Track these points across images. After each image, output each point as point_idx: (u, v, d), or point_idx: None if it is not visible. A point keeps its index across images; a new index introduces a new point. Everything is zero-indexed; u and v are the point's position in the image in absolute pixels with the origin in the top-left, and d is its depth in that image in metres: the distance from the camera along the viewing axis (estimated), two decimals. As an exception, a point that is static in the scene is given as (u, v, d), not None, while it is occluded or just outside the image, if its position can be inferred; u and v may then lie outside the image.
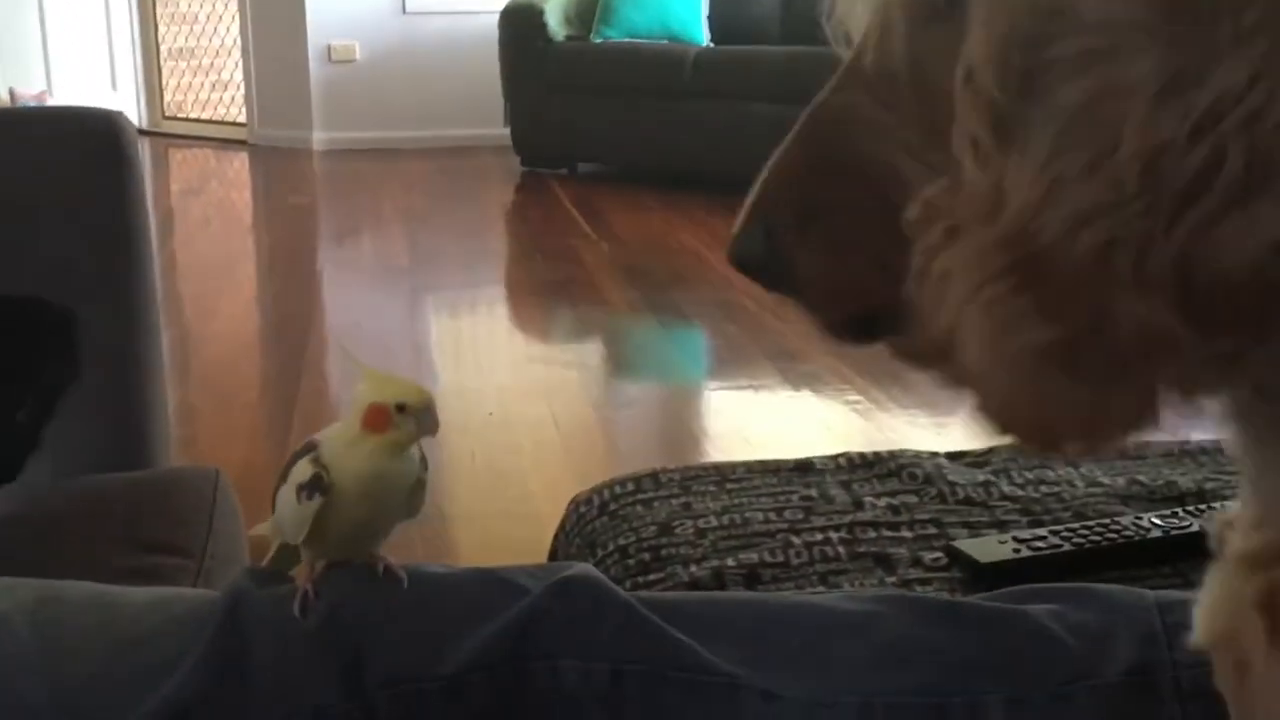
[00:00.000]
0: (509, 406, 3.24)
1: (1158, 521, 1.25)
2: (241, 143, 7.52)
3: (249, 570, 0.94)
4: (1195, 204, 0.49)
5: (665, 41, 6.12)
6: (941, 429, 3.12)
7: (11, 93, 5.86)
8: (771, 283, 0.69)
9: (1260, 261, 0.49)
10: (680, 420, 3.33)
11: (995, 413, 0.58)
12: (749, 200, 0.69)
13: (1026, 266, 0.53)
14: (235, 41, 7.78)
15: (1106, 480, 1.40)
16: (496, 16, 6.39)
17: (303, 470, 0.89)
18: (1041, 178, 0.52)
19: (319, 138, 7.17)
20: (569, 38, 6.28)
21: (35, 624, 0.87)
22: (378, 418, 0.88)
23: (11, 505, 1.32)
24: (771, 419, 3.19)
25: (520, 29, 6.27)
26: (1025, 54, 0.53)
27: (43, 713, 0.82)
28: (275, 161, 7.03)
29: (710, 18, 6.25)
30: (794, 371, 3.46)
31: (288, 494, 0.89)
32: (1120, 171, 0.50)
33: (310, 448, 0.90)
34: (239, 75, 7.72)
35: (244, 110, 7.66)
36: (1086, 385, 0.54)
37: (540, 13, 6.22)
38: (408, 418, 0.88)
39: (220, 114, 8.10)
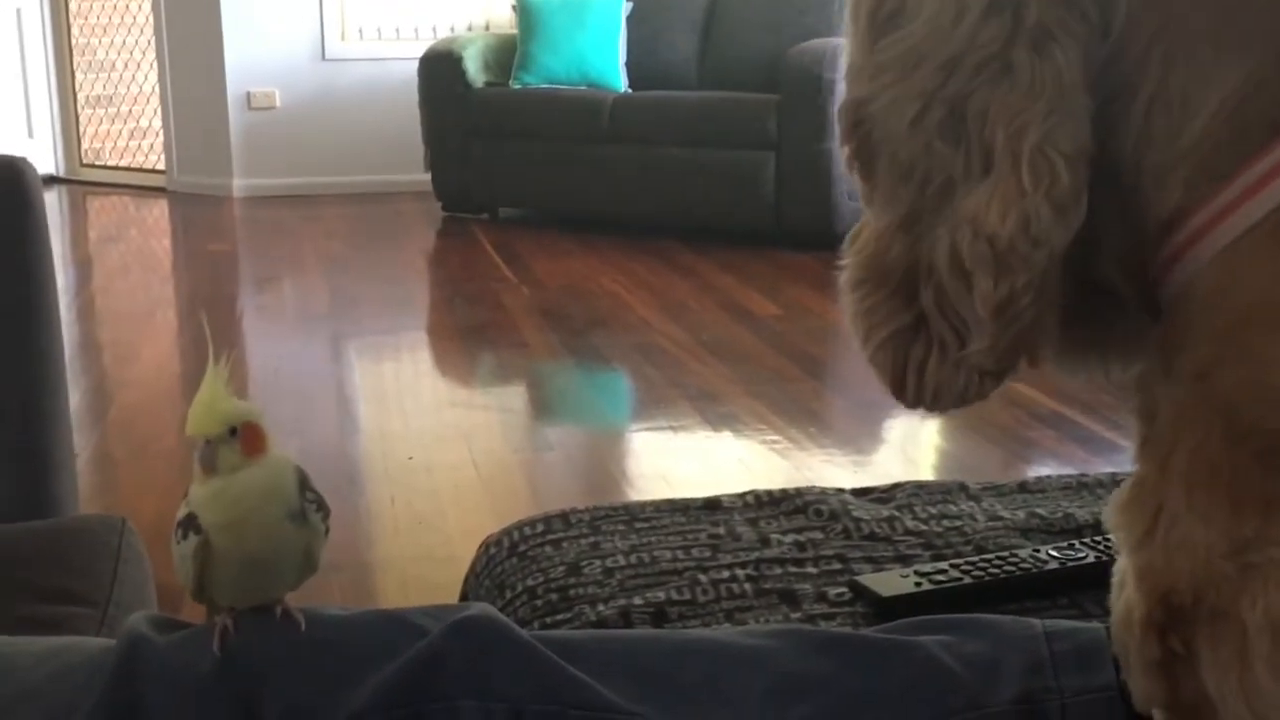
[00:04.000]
0: (429, 451, 3.24)
1: (1055, 554, 1.27)
2: (160, 190, 7.46)
3: (146, 616, 0.93)
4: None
5: (583, 88, 6.16)
6: (858, 466, 3.15)
7: (-76, 141, 5.80)
8: None
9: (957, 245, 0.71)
10: (601, 462, 3.34)
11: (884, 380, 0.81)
12: None
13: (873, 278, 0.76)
14: (154, 89, 7.73)
15: (1006, 514, 1.42)
16: (416, 63, 6.41)
17: (180, 511, 0.89)
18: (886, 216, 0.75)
19: (239, 184, 7.14)
20: (488, 84, 6.30)
21: (-72, 675, 0.86)
22: (202, 456, 0.89)
23: (-88, 557, 1.30)
24: (691, 460, 3.21)
25: (439, 75, 6.29)
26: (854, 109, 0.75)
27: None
28: (195, 208, 6.99)
29: (627, 65, 6.30)
30: (713, 412, 3.48)
31: (172, 538, 0.90)
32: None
33: (188, 490, 0.90)
34: (158, 122, 7.67)
35: (163, 157, 7.61)
36: (925, 356, 0.76)
37: (459, 59, 6.24)
38: (211, 447, 0.88)
39: (139, 161, 8.05)
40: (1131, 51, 0.69)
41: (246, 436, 0.89)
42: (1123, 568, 0.75)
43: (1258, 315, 0.63)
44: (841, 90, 0.76)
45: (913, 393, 0.78)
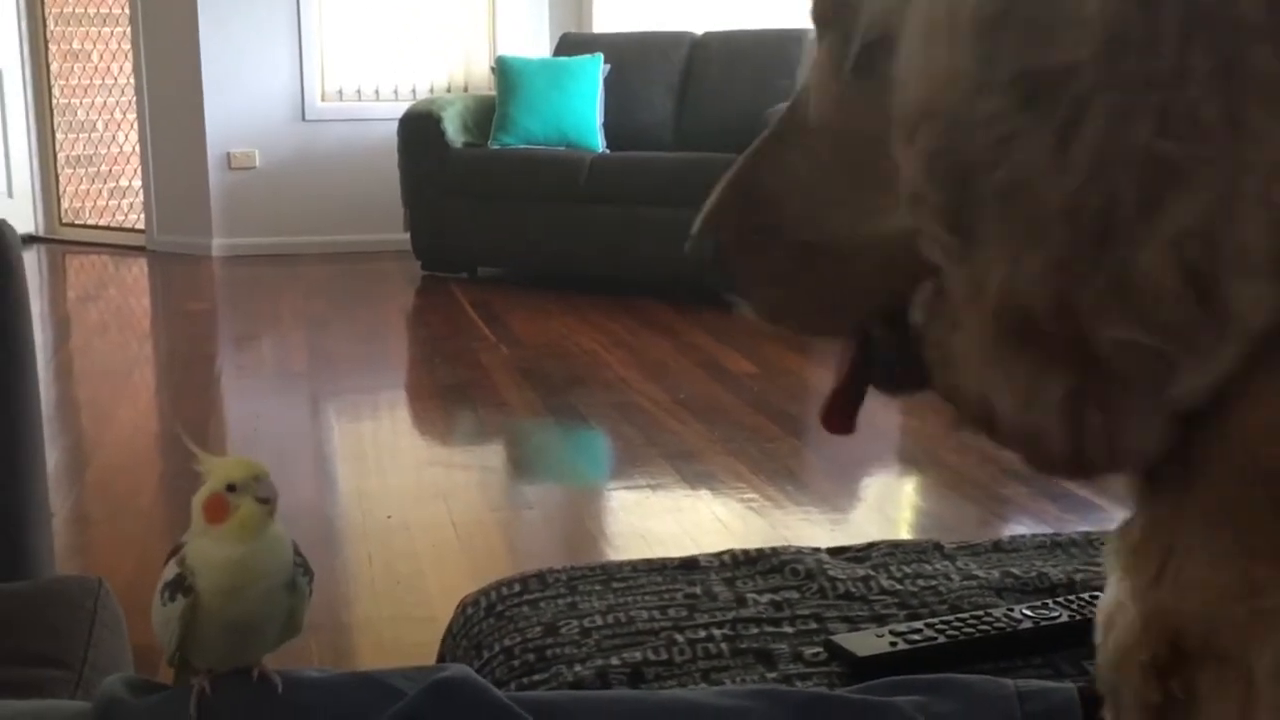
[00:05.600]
0: (407, 510, 3.23)
1: (1029, 613, 1.28)
2: (140, 249, 7.47)
3: (122, 678, 0.93)
4: (1113, 233, 0.60)
5: (562, 148, 6.20)
6: (835, 525, 3.16)
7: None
8: (720, 288, 0.78)
9: (1176, 251, 0.59)
10: (579, 521, 3.34)
11: (1040, 458, 0.65)
12: (702, 210, 0.78)
13: (1019, 330, 0.63)
14: (134, 149, 7.76)
15: (981, 573, 1.43)
16: (395, 123, 6.44)
17: (167, 572, 0.89)
18: (1001, 258, 0.62)
19: (218, 244, 7.15)
20: (467, 144, 6.34)
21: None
22: (214, 506, 0.89)
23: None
24: (669, 518, 3.21)
25: (419, 136, 6.32)
26: (950, 134, 0.63)
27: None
28: (174, 268, 6.99)
29: (605, 125, 6.34)
30: (690, 471, 3.49)
31: (155, 598, 0.90)
32: (1051, 233, 0.61)
33: (177, 549, 0.90)
34: (138, 182, 7.69)
35: (143, 217, 7.62)
36: (1107, 416, 0.63)
37: (438, 120, 6.28)
38: (242, 494, 0.88)
39: (119, 220, 8.06)
40: None
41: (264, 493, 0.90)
42: (1110, 607, 0.74)
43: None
44: (929, 139, 0.65)
45: (1098, 457, 0.64)
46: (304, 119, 7.15)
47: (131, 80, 7.57)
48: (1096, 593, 1.33)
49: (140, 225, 7.68)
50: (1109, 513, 3.14)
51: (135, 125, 7.62)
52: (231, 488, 0.88)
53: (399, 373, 5.01)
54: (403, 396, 4.63)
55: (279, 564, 0.90)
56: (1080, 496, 3.24)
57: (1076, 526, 2.98)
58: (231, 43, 7.01)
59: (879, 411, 3.60)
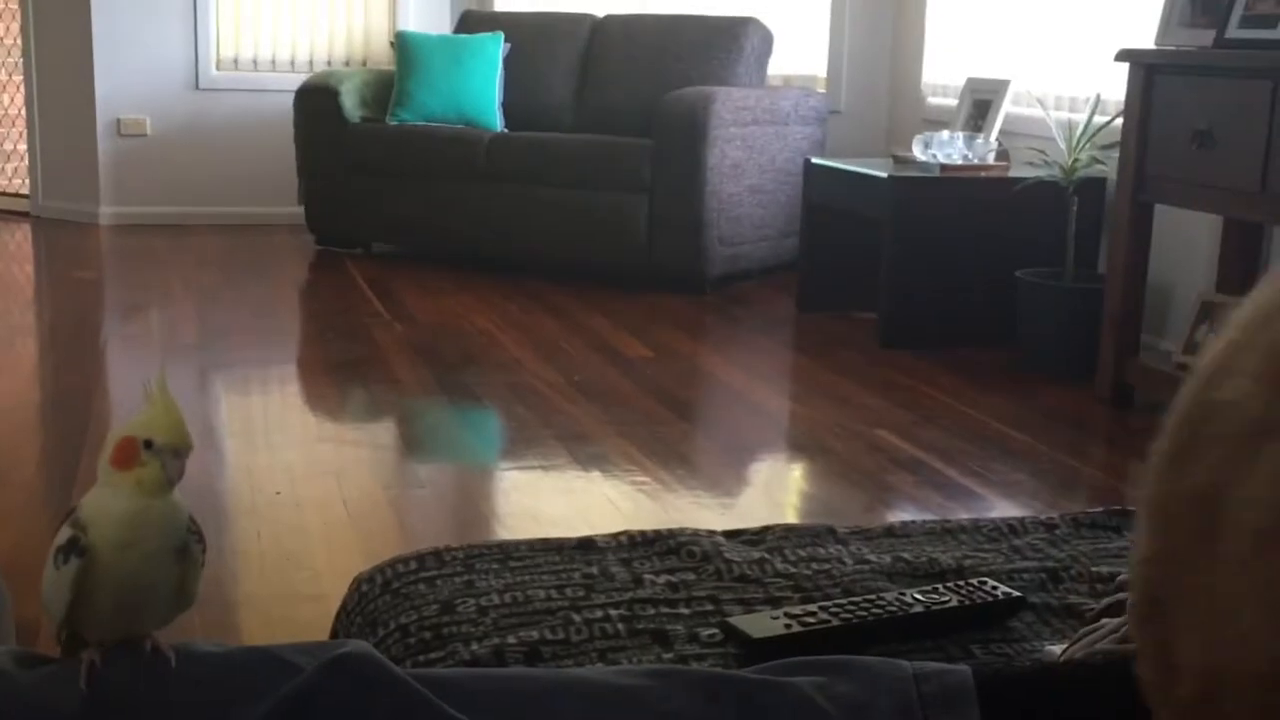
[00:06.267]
0: (298, 486, 3.20)
1: (919, 597, 1.30)
2: (24, 214, 7.30)
3: (9, 651, 0.92)
4: None
5: (460, 126, 6.17)
6: (725, 508, 3.18)
7: None
8: None
9: None
10: (471, 500, 3.33)
11: None
12: None
13: None
14: (19, 112, 7.57)
15: (874, 558, 1.46)
16: (291, 95, 6.36)
17: (60, 536, 0.88)
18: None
19: (106, 211, 7.01)
20: (364, 119, 6.28)
21: None
22: (124, 451, 0.87)
23: None
24: (561, 499, 3.22)
25: (315, 109, 6.25)
26: None
27: None
28: (60, 235, 6.85)
29: (504, 105, 6.31)
30: (583, 453, 3.49)
31: (48, 565, 0.88)
32: None
33: (70, 513, 0.89)
34: (23, 145, 7.51)
35: (27, 181, 7.45)
36: None
37: (336, 94, 6.21)
38: (155, 455, 0.87)
39: (2, 185, 7.87)
40: None
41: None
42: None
43: None
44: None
45: None
46: (198, 87, 7.03)
47: (18, 41, 7.38)
48: (985, 578, 1.36)
49: (25, 190, 7.50)
50: (990, 501, 3.20)
51: (21, 87, 7.43)
52: (149, 444, 0.86)
53: (291, 347, 4.96)
54: (294, 371, 4.58)
55: (173, 526, 0.89)
56: (963, 485, 3.30)
57: (959, 514, 3.03)
58: (124, 6, 6.87)
59: (769, 399, 3.68)
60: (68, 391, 4.12)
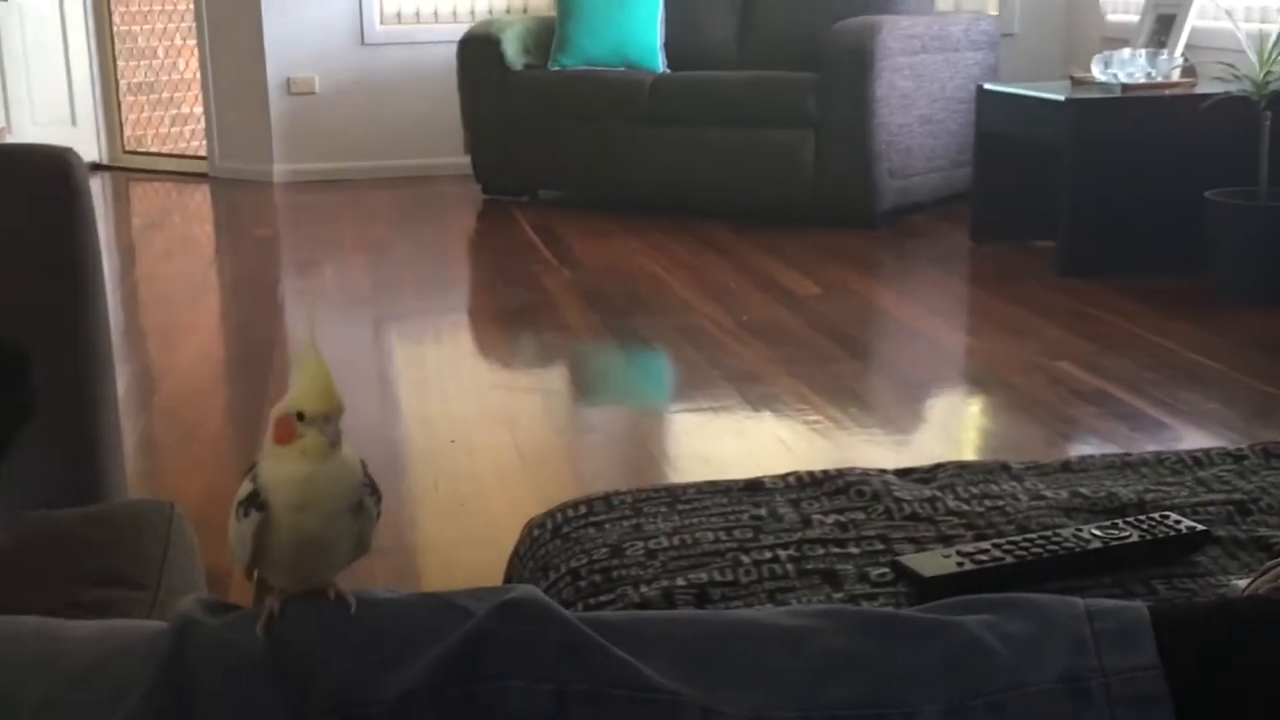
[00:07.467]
0: (471, 434, 3.25)
1: (1098, 533, 1.27)
2: (203, 176, 7.51)
3: (198, 599, 0.94)
4: None
5: (622, 69, 6.16)
6: (900, 446, 3.15)
7: (-31, 130, 5.85)
8: None
9: None
10: (641, 444, 3.35)
11: None
12: None
13: None
14: (195, 76, 7.77)
15: (1049, 493, 1.42)
16: (454, 46, 6.41)
17: (242, 489, 0.90)
18: None
19: (279, 170, 7.18)
20: (527, 66, 6.30)
21: (-17, 658, 0.88)
22: (282, 429, 0.89)
23: (-35, 542, 1.32)
24: (731, 441, 3.21)
25: (478, 59, 6.30)
26: None
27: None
28: (236, 194, 7.03)
29: (666, 45, 6.28)
30: (753, 393, 3.48)
31: (231, 516, 0.91)
32: None
33: (252, 467, 0.91)
34: (199, 109, 7.72)
35: (204, 143, 7.66)
36: None
37: (497, 43, 6.25)
38: (310, 425, 0.89)
39: (181, 147, 8.10)
40: None
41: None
42: None
43: None
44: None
45: None
46: (363, 43, 7.14)
47: (191, 6, 7.57)
48: (1167, 512, 1.32)
49: (202, 152, 7.71)
50: (1178, 432, 3.11)
51: (195, 52, 7.63)
52: (301, 416, 0.88)
53: (461, 296, 5.02)
54: (465, 320, 4.65)
55: (345, 486, 0.91)
56: (1150, 416, 3.21)
57: (1145, 446, 2.96)
58: (290, -33, 7.00)
59: (944, 333, 3.61)
60: (250, 346, 4.24)
